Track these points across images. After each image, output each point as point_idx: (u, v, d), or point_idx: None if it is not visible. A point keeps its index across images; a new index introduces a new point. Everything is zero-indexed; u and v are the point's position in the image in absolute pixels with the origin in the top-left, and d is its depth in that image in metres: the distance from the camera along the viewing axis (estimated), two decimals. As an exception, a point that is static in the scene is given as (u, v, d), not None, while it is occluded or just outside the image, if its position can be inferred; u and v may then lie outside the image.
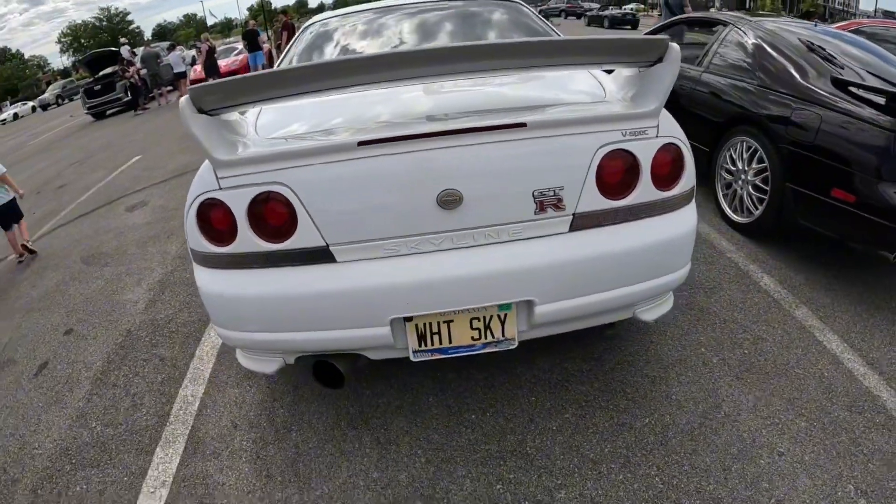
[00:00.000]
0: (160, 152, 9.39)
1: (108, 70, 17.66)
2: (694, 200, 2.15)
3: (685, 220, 2.07)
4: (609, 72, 2.30)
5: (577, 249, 1.91)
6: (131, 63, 16.07)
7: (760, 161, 3.69)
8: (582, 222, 1.93)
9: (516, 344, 2.02)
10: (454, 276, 1.86)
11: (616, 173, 1.92)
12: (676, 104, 4.70)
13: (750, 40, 4.24)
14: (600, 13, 36.10)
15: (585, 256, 1.91)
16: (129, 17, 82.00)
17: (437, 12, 3.37)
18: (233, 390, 2.77)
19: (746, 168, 3.84)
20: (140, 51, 18.05)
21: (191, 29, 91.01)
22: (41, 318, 4.17)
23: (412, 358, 2.01)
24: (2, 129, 33.57)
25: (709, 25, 5.01)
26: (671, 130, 1.98)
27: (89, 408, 2.93)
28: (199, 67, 16.75)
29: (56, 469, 2.55)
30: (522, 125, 1.80)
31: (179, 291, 4.00)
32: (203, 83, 1.74)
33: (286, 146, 1.89)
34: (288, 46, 3.42)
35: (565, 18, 41.78)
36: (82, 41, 74.54)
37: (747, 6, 36.33)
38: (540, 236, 1.92)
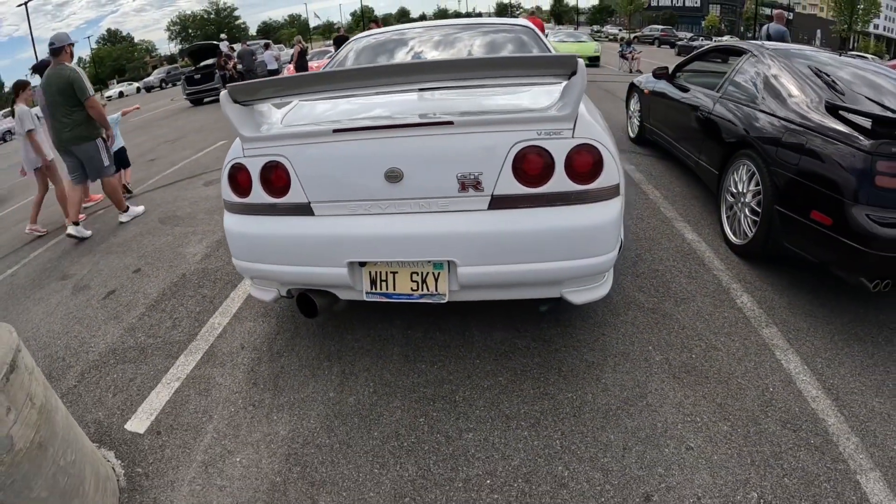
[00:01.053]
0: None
1: (209, 61, 19.19)
2: (619, 197, 2.42)
3: (604, 212, 2.35)
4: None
5: (494, 224, 2.33)
6: (230, 57, 17.34)
7: (758, 184, 3.69)
8: (499, 203, 2.35)
9: (446, 299, 2.48)
10: (394, 234, 2.39)
11: (532, 165, 2.31)
12: (694, 128, 5.05)
13: (760, 67, 4.33)
14: (690, 42, 37.18)
15: (501, 230, 2.32)
16: (236, 13, 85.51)
17: (453, 32, 4.10)
18: (249, 323, 3.44)
19: (745, 191, 3.87)
20: (238, 47, 19.47)
21: (293, 29, 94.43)
22: (117, 259, 5.02)
23: (365, 298, 2.55)
24: (109, 104, 36.30)
25: (732, 54, 5.14)
26: (589, 133, 2.31)
27: (139, 324, 3.67)
28: (291, 67, 17.92)
29: (102, 362, 3.29)
30: (450, 123, 2.30)
31: (229, 250, 4.74)
32: (239, 83, 2.45)
33: (288, 130, 2.53)
34: (334, 55, 4.19)
35: (658, 47, 42.32)
36: (189, 31, 78.41)
37: (851, 46, 35.34)
38: (463, 210, 2.38)
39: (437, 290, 2.48)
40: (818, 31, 53.80)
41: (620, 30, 62.80)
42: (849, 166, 2.89)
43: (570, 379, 2.72)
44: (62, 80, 5.46)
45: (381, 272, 2.52)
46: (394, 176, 2.36)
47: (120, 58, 74.08)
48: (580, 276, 2.49)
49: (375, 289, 2.54)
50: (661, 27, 55.17)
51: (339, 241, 2.45)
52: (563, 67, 2.24)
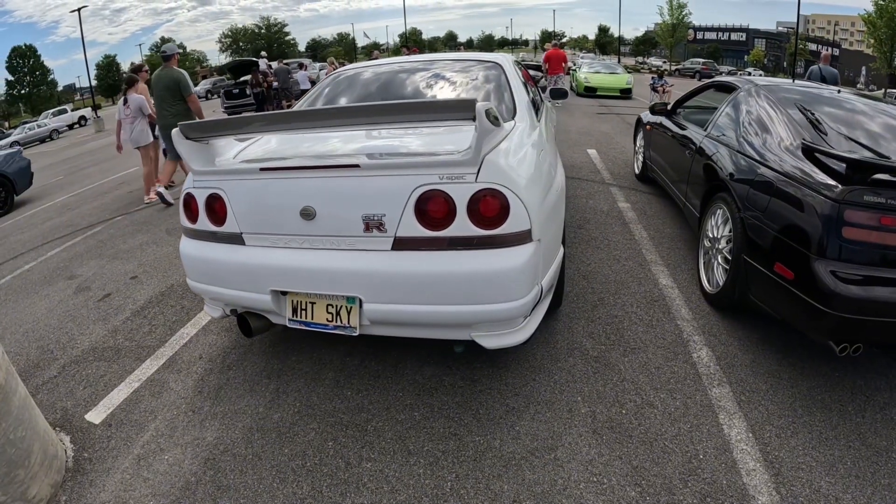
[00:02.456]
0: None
1: (247, 77, 19.96)
2: (532, 243, 2.39)
3: (511, 257, 2.34)
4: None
5: (395, 264, 2.43)
6: (266, 74, 18.01)
7: (731, 230, 3.44)
8: (402, 244, 2.43)
9: (357, 332, 2.59)
10: (309, 267, 2.57)
11: (435, 209, 2.36)
12: (683, 167, 4.81)
13: (747, 105, 4.10)
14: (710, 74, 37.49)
15: (402, 271, 2.41)
16: (287, 29, 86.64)
17: (418, 69, 4.23)
18: (213, 336, 3.84)
19: (720, 236, 3.65)
20: (275, 65, 20.23)
21: (340, 48, 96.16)
22: (120, 265, 5.51)
23: (287, 324, 2.75)
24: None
25: (725, 90, 4.86)
26: (496, 178, 2.32)
27: (122, 327, 4.10)
28: None
29: (83, 358, 3.72)
30: (356, 166, 2.42)
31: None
32: (191, 122, 2.77)
33: (226, 166, 2.77)
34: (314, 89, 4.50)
35: (699, 80, 42.59)
36: (241, 44, 79.74)
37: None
38: (368, 249, 2.49)
39: (349, 322, 2.62)
40: (864, 68, 52.32)
41: (664, 62, 61.91)
42: (815, 214, 2.60)
43: (483, 422, 2.70)
44: (170, 79, 7.31)
45: (301, 301, 2.72)
46: (307, 214, 2.52)
47: None
48: (488, 321, 2.49)
49: (296, 316, 2.74)
50: (702, 60, 54.01)
51: (263, 269, 2.68)
52: (463, 111, 2.28)
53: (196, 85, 47.23)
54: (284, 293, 2.77)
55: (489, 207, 2.33)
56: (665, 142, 5.84)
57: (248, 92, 19.26)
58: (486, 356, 3.20)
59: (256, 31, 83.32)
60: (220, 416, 2.98)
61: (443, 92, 3.90)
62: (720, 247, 3.62)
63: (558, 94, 6.85)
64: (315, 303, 2.71)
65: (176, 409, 3.07)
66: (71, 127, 34.22)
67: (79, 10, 36.18)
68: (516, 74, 4.01)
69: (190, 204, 2.92)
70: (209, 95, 37.84)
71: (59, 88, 68.00)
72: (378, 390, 3.04)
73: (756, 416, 2.65)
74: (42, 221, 8.13)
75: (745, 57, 76.73)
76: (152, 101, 7.93)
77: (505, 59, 4.29)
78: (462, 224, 2.35)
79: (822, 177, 2.71)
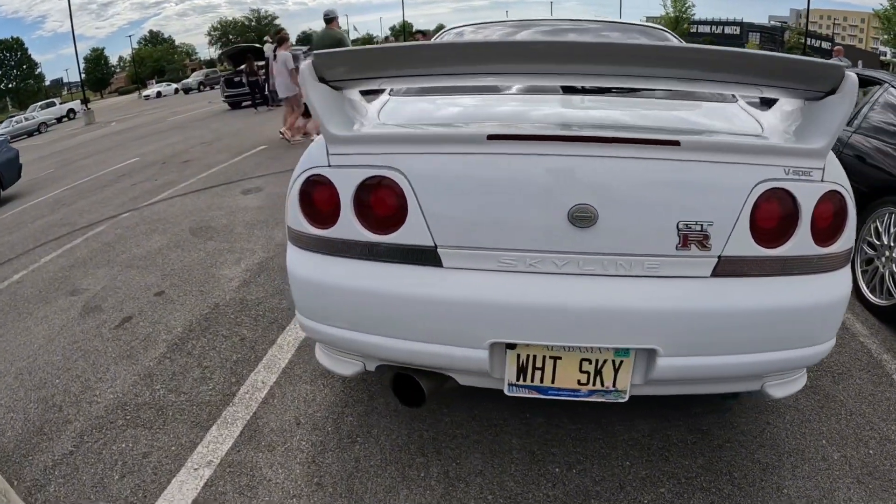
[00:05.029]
0: (286, 143, 9.68)
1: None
2: (850, 265, 1.84)
3: (839, 284, 1.76)
4: (769, 106, 2.05)
5: (717, 299, 1.64)
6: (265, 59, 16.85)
7: None
8: (727, 268, 1.65)
9: (626, 397, 1.74)
10: (573, 306, 1.62)
11: (773, 216, 1.66)
12: None
13: None
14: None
15: (725, 309, 1.64)
16: (277, 21, 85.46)
17: (573, 31, 3.16)
18: (305, 386, 2.60)
19: (893, 244, 3.39)
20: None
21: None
22: (137, 276, 4.26)
23: (506, 391, 1.75)
24: (146, 103, 36.75)
25: (865, 84, 4.48)
26: (837, 177, 1.69)
27: (158, 370, 2.85)
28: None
29: (108, 420, 2.49)
30: (675, 143, 1.57)
31: (276, 277, 3.93)
32: (330, 50, 1.68)
33: (407, 130, 1.76)
34: None
35: None
36: (230, 36, 78.27)
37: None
38: (678, 276, 1.65)
39: (614, 385, 1.71)
40: (860, 62, 54.12)
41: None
42: None
43: (745, 489, 2.06)
44: (333, 39, 8.26)
45: (535, 357, 1.71)
46: (584, 217, 1.58)
47: (160, 59, 76.01)
48: (796, 367, 1.89)
49: (524, 380, 1.73)
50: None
51: (482, 310, 1.66)
52: (823, 80, 1.58)
53: (187, 77, 46.89)
54: (511, 346, 1.68)
55: (829, 217, 1.70)
56: None
57: (242, 81, 18.01)
58: (696, 398, 2.36)
59: (246, 23, 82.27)
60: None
61: None
62: (894, 255, 3.35)
63: None
64: (560, 358, 1.71)
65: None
66: (59, 120, 32.56)
67: (69, 1, 35.46)
68: None
69: (314, 195, 1.77)
70: (201, 87, 37.20)
71: (47, 83, 66.80)
72: (594, 461, 2.16)
73: None
74: (33, 219, 6.82)
75: (740, 51, 76.64)
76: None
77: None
78: (803, 240, 1.67)
79: None
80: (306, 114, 9.42)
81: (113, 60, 75.46)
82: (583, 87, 2.16)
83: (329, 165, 1.72)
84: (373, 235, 1.70)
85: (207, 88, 36.38)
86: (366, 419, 2.34)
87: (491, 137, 1.57)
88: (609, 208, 1.58)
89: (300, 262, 1.83)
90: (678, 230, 1.58)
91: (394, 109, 2.11)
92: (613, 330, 1.64)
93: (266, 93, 17.08)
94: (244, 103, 18.84)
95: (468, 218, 1.64)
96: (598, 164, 1.58)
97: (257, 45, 19.50)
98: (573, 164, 1.59)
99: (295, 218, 1.80)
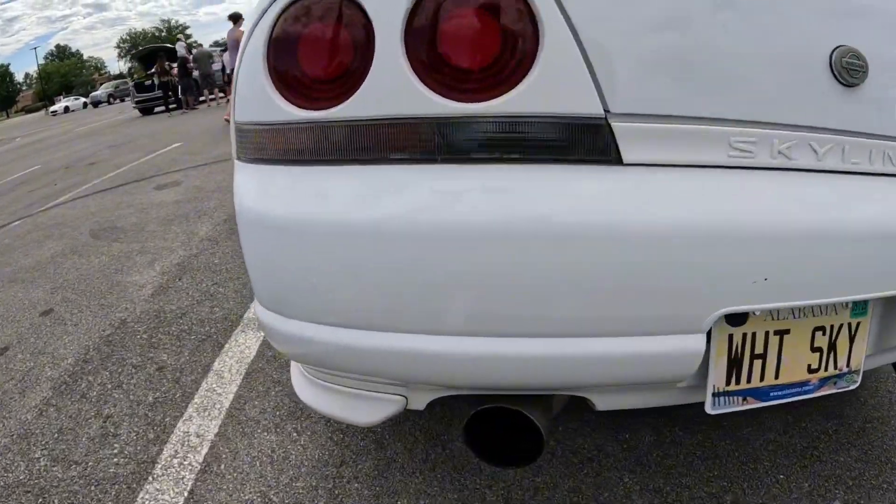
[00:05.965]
0: (206, 139, 8.51)
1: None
2: None
3: None
4: None
5: None
6: (186, 60, 15.51)
7: None
8: None
9: (859, 381, 1.07)
10: (853, 230, 0.89)
11: None
12: None
13: None
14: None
15: None
16: (188, 32, 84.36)
17: None
18: (268, 436, 1.64)
19: None
20: (195, 51, 17.55)
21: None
22: (21, 292, 3.21)
23: (710, 407, 0.98)
24: (53, 118, 34.45)
25: None
26: None
27: (37, 426, 1.84)
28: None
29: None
30: None
31: (203, 279, 2.93)
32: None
33: None
34: None
35: None
36: (140, 47, 77.65)
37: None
38: None
39: (848, 364, 1.03)
40: None
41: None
42: None
43: None
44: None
45: (755, 337, 0.95)
46: (853, 69, 0.87)
47: (68, 74, 73.40)
48: None
49: (736, 382, 0.98)
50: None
51: (714, 252, 0.83)
52: None
53: (96, 90, 44.69)
54: (741, 320, 0.94)
55: None
56: None
57: (154, 84, 16.67)
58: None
59: (156, 34, 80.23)
60: None
61: None
62: None
63: None
64: (788, 332, 0.97)
65: None
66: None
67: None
68: None
69: (308, 35, 0.86)
70: (111, 100, 35.33)
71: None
72: (740, 480, 1.42)
73: None
74: None
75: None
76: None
77: None
78: None
79: None
80: None
81: (19, 78, 72.15)
82: None
83: None
84: (456, 104, 0.81)
85: (118, 101, 34.63)
86: (379, 483, 1.40)
87: None
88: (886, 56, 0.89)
89: (269, 189, 0.92)
90: None
91: None
92: (868, 269, 0.92)
93: (180, 95, 15.86)
94: (157, 109, 17.51)
95: (669, 55, 0.79)
96: None
97: (169, 46, 18.35)
98: None
99: (260, 94, 0.89)
